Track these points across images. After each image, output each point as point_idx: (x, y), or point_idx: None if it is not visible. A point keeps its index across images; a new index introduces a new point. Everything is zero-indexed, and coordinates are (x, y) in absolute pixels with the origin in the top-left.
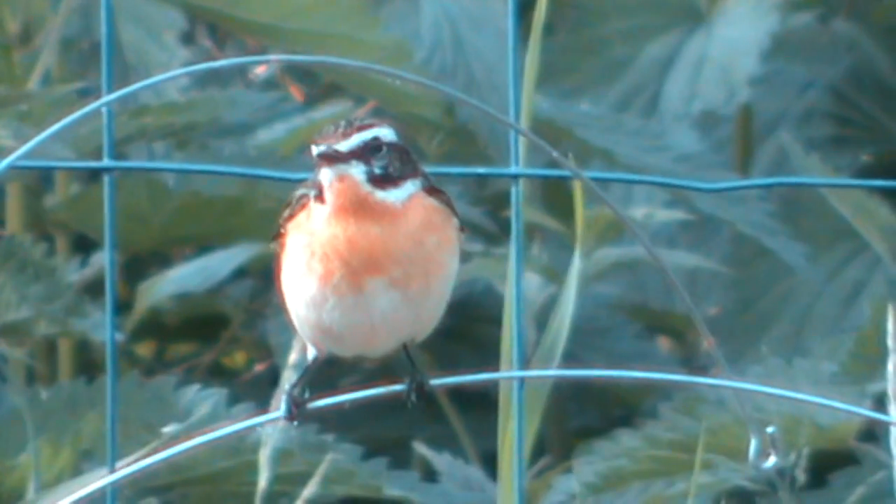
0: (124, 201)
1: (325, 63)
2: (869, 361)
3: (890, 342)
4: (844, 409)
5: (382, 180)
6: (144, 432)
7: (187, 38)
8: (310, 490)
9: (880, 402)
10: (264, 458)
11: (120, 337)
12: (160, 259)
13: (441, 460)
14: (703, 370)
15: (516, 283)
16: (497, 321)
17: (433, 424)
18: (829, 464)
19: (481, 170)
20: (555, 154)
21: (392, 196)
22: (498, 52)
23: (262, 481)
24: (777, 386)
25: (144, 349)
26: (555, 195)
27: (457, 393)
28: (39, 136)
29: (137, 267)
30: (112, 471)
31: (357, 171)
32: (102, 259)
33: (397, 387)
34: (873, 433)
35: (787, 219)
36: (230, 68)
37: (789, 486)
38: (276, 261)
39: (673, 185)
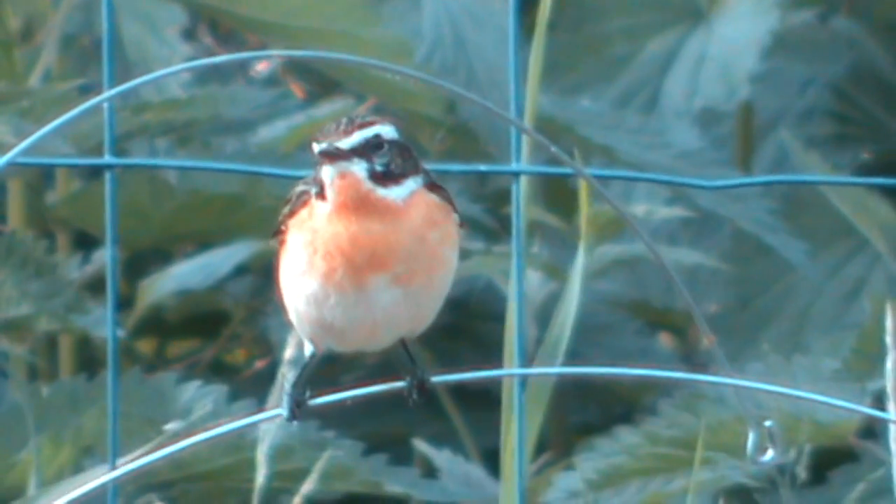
0: (125, 198)
1: (326, 59)
2: (869, 359)
3: (889, 339)
4: (844, 407)
5: (384, 177)
6: (145, 429)
7: (188, 35)
8: (309, 486)
9: (880, 400)
10: (262, 454)
11: (121, 333)
12: (161, 256)
13: (441, 457)
14: (703, 367)
15: (518, 280)
16: (497, 318)
17: (433, 421)
18: (828, 461)
19: (482, 167)
20: (557, 151)
21: (394, 193)
22: (499, 49)
23: (260, 478)
24: (777, 383)
25: (145, 346)
26: (555, 192)
27: (457, 390)
28: (40, 132)
29: (138, 264)
30: (113, 467)
31: (359, 168)
32: (103, 256)
33: (398, 384)
34: (873, 430)
35: (787, 216)
36: (231, 65)
37: (789, 483)
38: (275, 257)
39: (673, 183)
